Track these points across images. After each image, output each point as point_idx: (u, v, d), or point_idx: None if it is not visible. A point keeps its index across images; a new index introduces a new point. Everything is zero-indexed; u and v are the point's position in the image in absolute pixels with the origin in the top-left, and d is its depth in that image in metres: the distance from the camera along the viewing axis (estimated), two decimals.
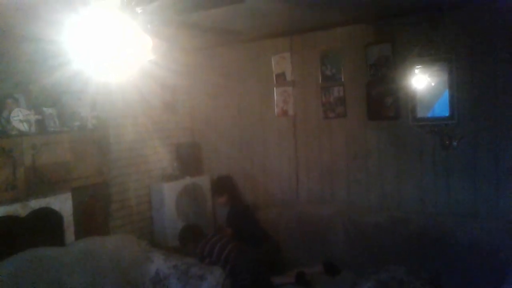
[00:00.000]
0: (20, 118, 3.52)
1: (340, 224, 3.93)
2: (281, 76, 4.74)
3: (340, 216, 3.99)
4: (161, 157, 5.19)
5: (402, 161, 4.00)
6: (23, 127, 3.53)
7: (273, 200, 4.88)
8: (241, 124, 5.16)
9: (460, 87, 3.63)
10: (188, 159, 5.33)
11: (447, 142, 3.71)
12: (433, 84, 3.77)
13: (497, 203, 3.53)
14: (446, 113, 3.70)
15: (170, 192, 4.92)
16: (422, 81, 3.81)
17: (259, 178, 5.05)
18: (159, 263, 3.59)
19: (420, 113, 3.84)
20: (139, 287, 3.50)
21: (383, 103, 4.04)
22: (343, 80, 4.31)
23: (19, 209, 3.50)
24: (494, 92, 3.50)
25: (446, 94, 3.69)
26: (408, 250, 3.52)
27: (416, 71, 3.82)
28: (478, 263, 3.21)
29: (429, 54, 3.75)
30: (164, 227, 4.90)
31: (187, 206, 5.09)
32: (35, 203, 3.62)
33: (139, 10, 2.11)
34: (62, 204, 3.83)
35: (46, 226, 3.75)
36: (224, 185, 4.44)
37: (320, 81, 4.45)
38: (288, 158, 4.79)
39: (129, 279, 3.47)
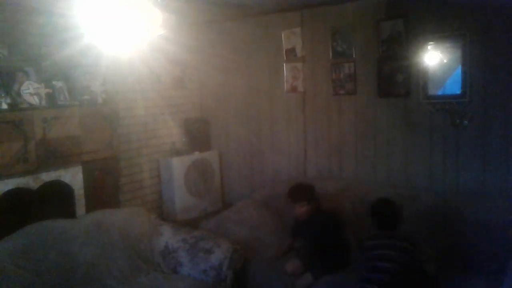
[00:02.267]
0: (30, 92, 3.53)
1: (347, 200, 3.94)
2: (291, 52, 4.70)
3: (347, 192, 4.00)
4: (170, 132, 5.21)
5: (412, 138, 3.98)
6: (34, 100, 3.55)
7: (281, 176, 4.89)
8: (250, 100, 5.15)
9: (473, 65, 3.57)
10: (197, 134, 5.35)
11: (457, 121, 3.67)
12: (445, 61, 3.72)
13: (506, 183, 3.51)
14: (457, 91, 3.66)
15: (179, 166, 4.96)
16: (434, 58, 3.75)
17: (267, 153, 5.06)
18: (168, 236, 3.65)
19: (431, 91, 3.80)
20: (148, 259, 3.56)
21: (394, 80, 4.00)
22: (354, 56, 4.25)
23: (30, 182, 3.55)
24: (507, 71, 3.44)
25: (458, 72, 3.64)
26: (415, 228, 3.53)
27: (429, 47, 3.76)
28: (485, 242, 3.21)
29: (442, 30, 3.68)
30: (173, 201, 4.96)
31: (196, 181, 5.14)
32: (46, 176, 3.67)
33: None
34: (73, 177, 3.88)
35: (57, 199, 3.81)
36: (306, 193, 3.56)
37: (331, 57, 4.40)
38: (296, 134, 4.79)
39: (138, 252, 3.53)
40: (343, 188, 4.07)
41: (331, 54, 4.40)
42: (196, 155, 5.20)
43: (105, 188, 4.20)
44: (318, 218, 3.48)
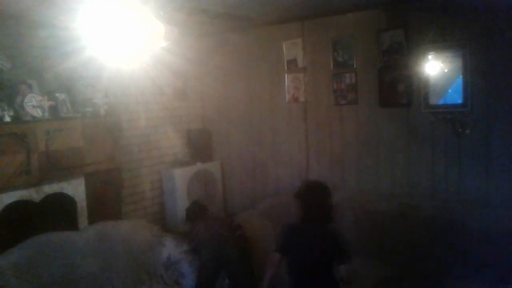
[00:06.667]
0: (33, 104, 3.54)
1: (350, 211, 3.93)
2: (292, 62, 4.72)
3: (350, 203, 3.99)
4: (172, 143, 5.22)
5: (413, 148, 3.97)
6: (37, 113, 3.56)
7: (283, 186, 4.88)
8: (252, 111, 5.16)
9: (474, 74, 3.57)
10: (199, 145, 5.36)
11: (459, 130, 3.67)
12: (446, 70, 3.72)
13: (509, 192, 3.50)
14: (459, 100, 3.66)
15: (181, 177, 4.96)
16: (435, 67, 3.76)
17: (269, 164, 5.06)
18: (170, 247, 3.64)
19: (433, 100, 3.80)
20: (151, 271, 3.54)
21: (395, 90, 4.00)
22: (355, 66, 4.27)
23: (33, 194, 3.55)
24: (508, 79, 3.45)
25: (459, 81, 3.65)
26: (419, 238, 3.52)
27: (429, 57, 3.77)
28: (488, 250, 3.20)
29: (443, 40, 3.69)
30: (175, 212, 4.95)
31: (198, 192, 5.13)
32: (49, 188, 3.67)
33: None
34: (75, 189, 3.88)
35: (59, 211, 3.81)
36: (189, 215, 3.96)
37: (332, 67, 4.42)
38: (298, 145, 4.79)
39: (141, 263, 3.52)
40: (345, 199, 4.05)
41: (332, 64, 4.41)
42: (198, 166, 5.20)
43: (107, 200, 4.20)
44: None
